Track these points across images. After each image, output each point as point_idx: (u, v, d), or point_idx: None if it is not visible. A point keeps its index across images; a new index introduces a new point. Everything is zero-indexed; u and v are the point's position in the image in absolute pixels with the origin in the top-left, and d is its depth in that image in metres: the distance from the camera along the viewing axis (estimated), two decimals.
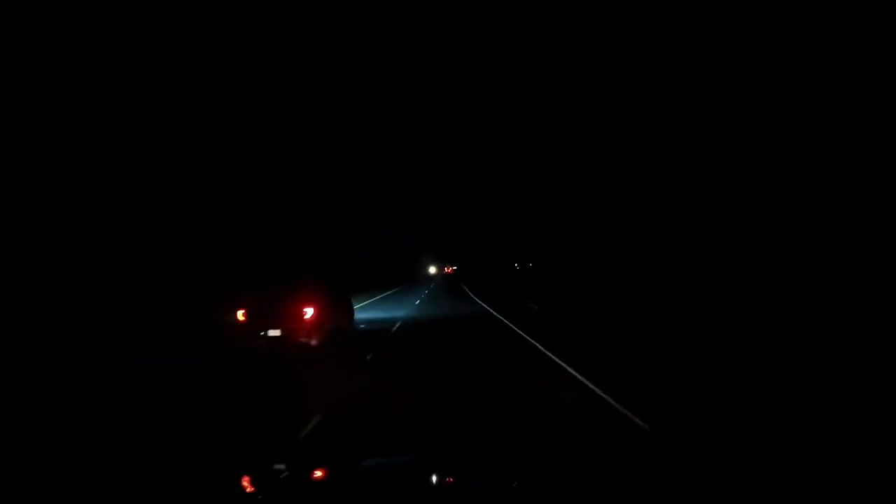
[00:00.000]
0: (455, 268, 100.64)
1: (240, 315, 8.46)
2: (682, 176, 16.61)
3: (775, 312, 10.81)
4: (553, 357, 8.14)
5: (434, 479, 1.87)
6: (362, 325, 12.91)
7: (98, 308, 13.10)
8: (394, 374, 7.51)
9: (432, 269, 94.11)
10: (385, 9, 21.01)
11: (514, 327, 12.13)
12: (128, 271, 16.58)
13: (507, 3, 20.71)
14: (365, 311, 16.99)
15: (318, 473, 1.91)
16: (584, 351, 8.79)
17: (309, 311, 8.55)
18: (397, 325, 13.47)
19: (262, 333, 8.38)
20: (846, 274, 11.24)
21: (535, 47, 22.60)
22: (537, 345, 9.44)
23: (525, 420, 5.06)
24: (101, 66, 15.47)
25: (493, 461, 2.06)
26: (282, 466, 2.06)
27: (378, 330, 12.50)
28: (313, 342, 8.50)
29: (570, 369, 7.15)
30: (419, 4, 20.67)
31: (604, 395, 5.68)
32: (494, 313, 15.77)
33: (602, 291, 20.39)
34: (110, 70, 15.91)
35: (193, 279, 18.43)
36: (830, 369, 6.69)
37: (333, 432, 4.59)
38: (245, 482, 1.70)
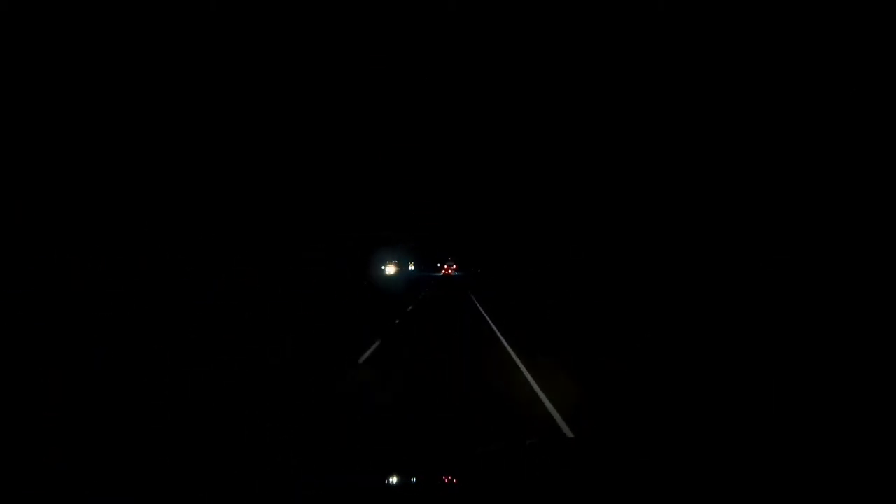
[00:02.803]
0: (454, 269, 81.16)
1: None
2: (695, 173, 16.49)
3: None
4: None
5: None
6: None
7: None
8: None
9: (390, 269, 61.95)
10: (385, 10, 21.02)
11: None
12: None
13: (507, 4, 20.69)
14: None
15: None
16: None
17: None
18: None
19: None
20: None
21: (535, 47, 22.58)
22: None
23: None
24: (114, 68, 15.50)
25: None
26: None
27: None
28: None
29: None
30: (419, 5, 20.67)
31: None
32: None
33: None
34: (114, 71, 15.95)
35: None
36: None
37: None
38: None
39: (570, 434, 4.71)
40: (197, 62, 18.63)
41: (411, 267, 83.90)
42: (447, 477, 1.92)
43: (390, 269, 63.03)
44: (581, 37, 19.52)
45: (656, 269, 19.58)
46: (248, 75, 21.32)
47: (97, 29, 14.82)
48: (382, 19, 21.39)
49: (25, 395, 6.28)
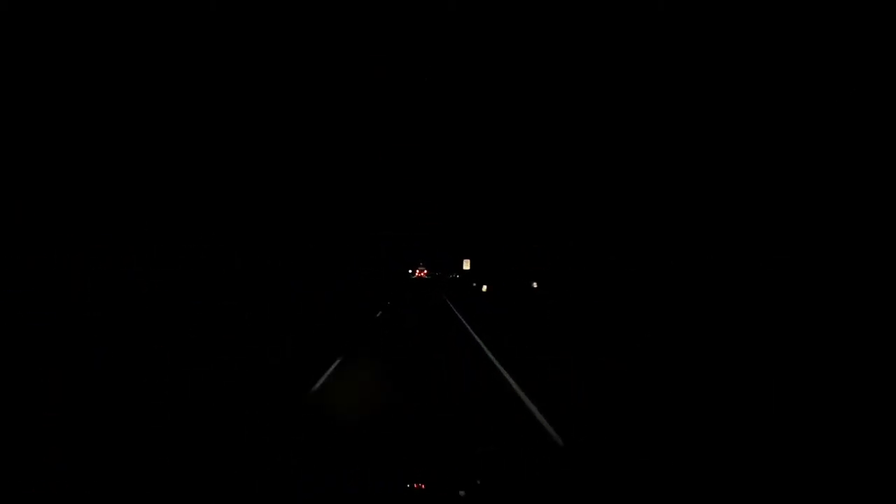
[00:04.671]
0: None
1: None
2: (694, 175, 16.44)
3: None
4: None
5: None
6: None
7: None
8: None
9: None
10: (385, 10, 21.02)
11: None
12: None
13: (507, 4, 20.68)
14: None
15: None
16: None
17: None
18: None
19: None
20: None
21: (535, 47, 22.57)
22: None
23: None
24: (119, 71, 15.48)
25: None
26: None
27: None
28: None
29: None
30: (419, 5, 20.68)
31: None
32: None
33: None
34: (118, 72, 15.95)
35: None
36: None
37: None
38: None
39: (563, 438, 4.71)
40: (197, 62, 18.64)
41: None
42: (447, 477, 1.93)
43: None
44: (581, 37, 19.52)
45: (656, 269, 19.58)
46: (248, 75, 21.32)
47: (97, 29, 14.81)
48: (382, 20, 21.40)
49: (25, 395, 6.28)
